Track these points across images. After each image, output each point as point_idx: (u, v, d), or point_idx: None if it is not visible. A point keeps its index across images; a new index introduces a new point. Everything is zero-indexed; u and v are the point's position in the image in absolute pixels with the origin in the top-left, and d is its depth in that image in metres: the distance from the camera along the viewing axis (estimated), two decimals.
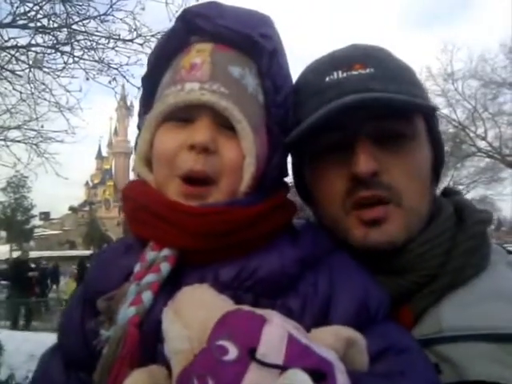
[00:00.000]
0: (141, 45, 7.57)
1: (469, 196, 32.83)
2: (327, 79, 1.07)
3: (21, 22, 6.92)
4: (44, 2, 6.83)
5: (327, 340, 0.70)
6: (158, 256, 0.89)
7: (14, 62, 7.60)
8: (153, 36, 7.61)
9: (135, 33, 7.47)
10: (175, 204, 0.90)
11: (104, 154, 78.98)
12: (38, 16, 6.95)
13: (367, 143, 1.02)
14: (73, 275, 18.81)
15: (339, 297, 0.89)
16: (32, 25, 6.97)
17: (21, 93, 8.41)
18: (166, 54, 1.02)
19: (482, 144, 27.05)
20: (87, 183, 76.79)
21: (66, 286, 17.24)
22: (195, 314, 0.72)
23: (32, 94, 8.30)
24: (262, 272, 0.87)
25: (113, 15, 7.24)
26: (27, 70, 7.71)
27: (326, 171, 1.08)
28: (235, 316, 0.68)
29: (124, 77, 7.88)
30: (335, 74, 1.07)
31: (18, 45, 7.28)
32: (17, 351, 8.42)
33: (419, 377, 0.81)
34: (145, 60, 7.79)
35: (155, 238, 0.91)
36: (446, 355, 0.92)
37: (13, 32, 7.26)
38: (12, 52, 7.36)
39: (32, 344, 9.25)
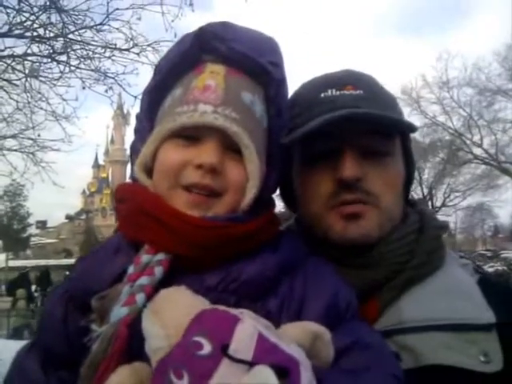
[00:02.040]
0: (137, 54, 7.64)
1: (466, 203, 32.98)
2: (322, 95, 1.21)
3: (17, 32, 6.95)
4: (40, 12, 6.88)
5: (295, 333, 0.76)
6: (153, 260, 0.91)
7: (11, 71, 7.64)
8: (149, 45, 7.68)
9: (131, 42, 7.54)
10: (179, 213, 0.93)
11: (101, 162, 78.71)
12: (35, 26, 7.00)
13: (353, 153, 1.15)
14: None
15: (311, 299, 0.95)
16: (28, 34, 7.01)
17: (17, 102, 8.45)
18: (178, 68, 1.05)
19: (478, 151, 27.23)
20: (84, 192, 76.46)
21: None
22: (172, 314, 0.76)
23: (28, 103, 8.33)
24: (246, 275, 0.93)
25: (109, 25, 7.31)
26: (23, 79, 7.76)
27: (314, 175, 1.20)
28: (211, 314, 0.72)
29: (120, 86, 7.93)
30: (329, 91, 1.21)
31: (15, 54, 7.33)
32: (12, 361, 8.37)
33: (383, 371, 0.86)
34: (141, 69, 7.85)
35: (152, 242, 0.93)
36: (405, 344, 1.04)
37: (9, 41, 7.30)
38: (8, 61, 7.39)
39: None
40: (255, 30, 1.10)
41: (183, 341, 0.69)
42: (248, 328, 0.69)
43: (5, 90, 8.13)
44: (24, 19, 6.92)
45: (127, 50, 7.54)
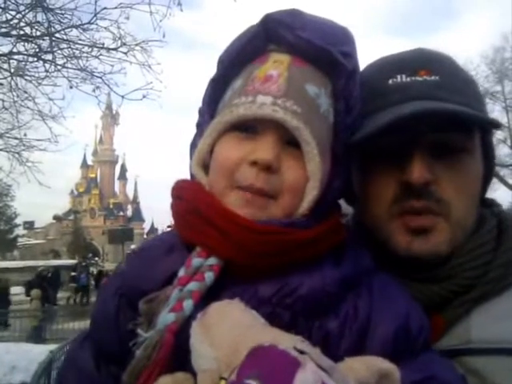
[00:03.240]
0: (125, 53, 7.62)
1: None
2: (390, 82, 1.05)
3: (3, 30, 6.89)
4: (26, 11, 6.83)
5: (359, 371, 0.68)
6: (204, 264, 0.86)
7: None
8: (137, 45, 7.66)
9: (119, 41, 7.50)
10: (233, 215, 0.87)
11: (89, 162, 78.24)
12: (21, 24, 6.95)
13: (424, 152, 0.99)
14: None
15: (378, 322, 0.86)
16: (14, 33, 6.96)
17: (3, 101, 8.39)
18: (241, 58, 0.98)
19: None
20: (72, 192, 75.97)
21: None
22: (224, 333, 0.71)
23: (14, 102, 8.27)
24: (303, 290, 0.85)
25: (97, 24, 7.27)
26: (9, 78, 7.68)
27: (376, 174, 1.05)
28: (268, 354, 0.64)
29: (108, 85, 7.89)
30: (399, 77, 1.05)
31: (0, 53, 7.24)
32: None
33: None
34: (129, 69, 7.82)
35: (205, 246, 0.88)
36: (473, 367, 0.91)
37: None
38: None
39: (13, 355, 9.11)
40: (327, 19, 1.01)
41: (235, 381, 0.62)
42: (309, 377, 0.60)
43: None
44: (10, 17, 6.87)
45: (115, 49, 7.52)
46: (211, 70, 1.06)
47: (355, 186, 1.13)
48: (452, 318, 0.99)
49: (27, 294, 18.53)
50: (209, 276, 0.84)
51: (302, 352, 0.64)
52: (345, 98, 0.95)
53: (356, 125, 0.99)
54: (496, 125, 1.03)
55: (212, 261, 0.86)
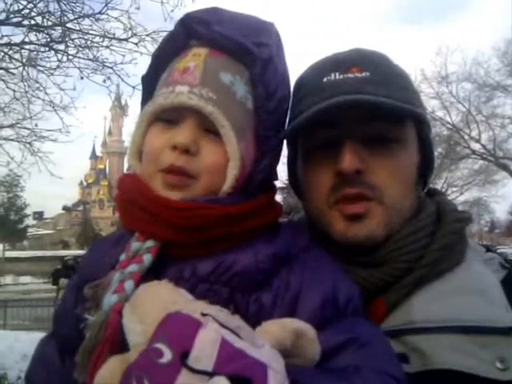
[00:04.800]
0: (136, 44, 7.58)
1: (463, 198, 33.06)
2: (325, 79, 1.12)
3: (15, 20, 6.89)
4: (38, 0, 6.82)
5: (274, 331, 0.73)
6: (142, 247, 0.93)
7: (8, 60, 7.57)
8: (148, 35, 7.62)
9: (130, 32, 7.48)
10: (159, 198, 0.94)
11: (98, 153, 78.72)
12: (32, 14, 6.94)
13: (355, 142, 1.06)
14: None
15: (307, 291, 0.92)
16: (26, 22, 6.96)
17: (14, 91, 8.37)
18: (166, 55, 1.06)
19: (476, 146, 27.22)
20: (81, 183, 76.59)
21: None
22: (150, 309, 0.75)
23: (26, 92, 8.26)
24: (238, 267, 0.91)
25: (107, 14, 7.25)
26: (21, 68, 7.68)
27: (315, 166, 1.13)
28: (173, 319, 0.69)
29: (119, 76, 7.88)
30: (333, 75, 1.11)
31: (12, 42, 7.27)
32: (9, 351, 8.37)
33: (379, 371, 0.81)
34: (140, 59, 7.81)
35: (140, 230, 0.95)
36: (414, 345, 0.96)
37: (6, 30, 7.29)
38: (5, 50, 7.33)
39: (24, 344, 9.20)
40: (245, 15, 1.09)
41: (147, 347, 0.67)
42: (210, 334, 0.66)
43: (2, 79, 8.06)
44: (22, 7, 6.86)
45: (126, 39, 7.49)
46: None
47: (300, 179, 1.21)
48: (394, 300, 1.04)
49: (54, 283, 18.82)
50: (147, 258, 0.91)
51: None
52: (264, 85, 1.02)
53: (279, 109, 1.05)
54: (415, 114, 1.09)
55: (149, 243, 0.93)
